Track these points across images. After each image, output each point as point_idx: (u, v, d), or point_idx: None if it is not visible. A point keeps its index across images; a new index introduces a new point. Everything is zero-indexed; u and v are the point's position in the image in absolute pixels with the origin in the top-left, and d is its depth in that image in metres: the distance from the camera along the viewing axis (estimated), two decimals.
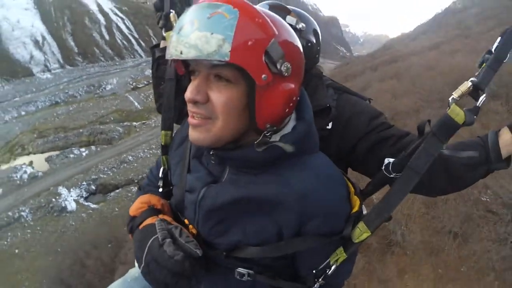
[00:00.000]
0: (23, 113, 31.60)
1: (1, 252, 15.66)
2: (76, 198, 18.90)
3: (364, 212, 1.12)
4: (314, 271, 1.12)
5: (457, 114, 1.03)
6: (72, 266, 12.08)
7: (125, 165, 22.05)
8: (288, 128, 1.04)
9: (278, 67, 0.89)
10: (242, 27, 0.84)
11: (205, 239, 1.13)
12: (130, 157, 22.92)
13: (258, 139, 0.97)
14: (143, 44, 58.82)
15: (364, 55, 44.12)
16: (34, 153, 24.57)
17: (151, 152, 23.20)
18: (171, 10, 1.47)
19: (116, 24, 58.04)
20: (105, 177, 20.78)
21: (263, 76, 0.87)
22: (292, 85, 0.97)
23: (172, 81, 1.44)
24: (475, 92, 1.05)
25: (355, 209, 1.06)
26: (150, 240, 1.07)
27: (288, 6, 1.57)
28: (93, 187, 19.87)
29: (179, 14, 1.48)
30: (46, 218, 17.42)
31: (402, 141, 1.38)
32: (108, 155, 23.58)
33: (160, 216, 1.18)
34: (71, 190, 19.38)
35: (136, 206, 1.25)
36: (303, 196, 1.00)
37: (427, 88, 12.39)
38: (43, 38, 48.14)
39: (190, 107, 0.96)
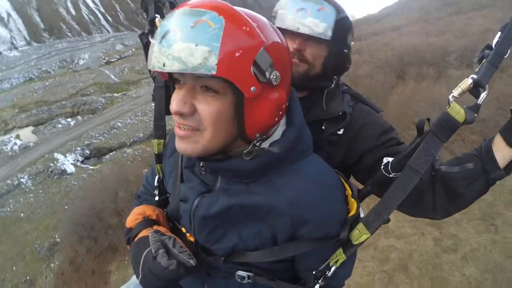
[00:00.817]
0: None
1: (5, 218, 15.86)
2: (73, 162, 19.28)
3: (362, 214, 1.11)
4: (314, 273, 1.12)
5: (458, 112, 1.01)
6: (87, 212, 12.58)
7: (115, 130, 22.41)
8: (277, 134, 1.03)
9: (267, 76, 0.87)
10: (229, 37, 0.80)
11: (203, 246, 1.15)
12: (119, 124, 23.25)
13: (246, 148, 0.96)
14: (110, 19, 57.64)
15: None
16: (19, 127, 24.44)
17: (137, 119, 23.59)
18: (156, 15, 1.39)
19: None
20: (98, 142, 21.15)
21: (252, 88, 0.85)
22: (281, 93, 0.95)
23: (161, 88, 1.40)
24: (475, 89, 1.03)
25: (352, 212, 1.06)
26: (145, 253, 1.09)
27: None
28: (88, 152, 20.26)
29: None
30: (47, 182, 17.73)
31: None
32: (97, 123, 23.77)
33: (155, 227, 1.19)
34: (67, 155, 19.69)
35: (132, 218, 1.26)
36: (294, 203, 1.00)
37: (381, 59, 15.11)
38: (8, 14, 46.56)
39: (176, 119, 0.94)
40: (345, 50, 1.49)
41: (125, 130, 22.47)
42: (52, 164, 18.75)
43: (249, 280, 1.14)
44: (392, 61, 14.43)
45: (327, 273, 1.10)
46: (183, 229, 1.21)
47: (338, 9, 1.42)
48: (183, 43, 0.79)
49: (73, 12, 53.55)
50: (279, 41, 0.93)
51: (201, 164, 1.07)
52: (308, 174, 1.05)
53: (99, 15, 56.72)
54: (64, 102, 27.11)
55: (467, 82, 1.02)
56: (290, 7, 1.40)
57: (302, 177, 1.03)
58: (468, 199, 1.18)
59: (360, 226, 1.05)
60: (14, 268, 13.15)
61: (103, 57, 39.46)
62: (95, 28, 54.60)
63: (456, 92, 1.03)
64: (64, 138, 21.93)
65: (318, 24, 1.37)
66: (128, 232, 1.25)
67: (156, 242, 1.08)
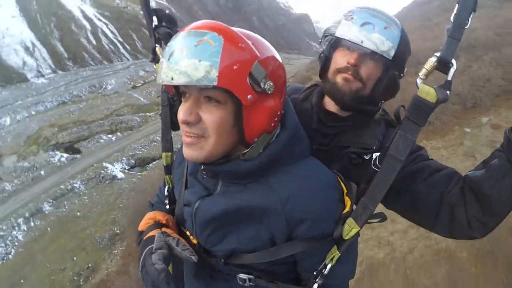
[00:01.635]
0: (33, 112, 33.02)
1: (61, 217, 17.12)
2: (121, 169, 21.16)
3: None
4: (314, 273, 1.18)
5: (428, 93, 1.02)
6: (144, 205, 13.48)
7: (155, 143, 24.37)
8: (273, 137, 1.13)
9: (262, 86, 0.99)
10: (227, 53, 0.93)
11: (204, 248, 1.24)
12: (157, 137, 24.91)
13: (245, 151, 1.08)
14: (128, 47, 60.85)
15: None
16: (62, 143, 26.16)
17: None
18: (156, 45, 1.60)
19: (101, 29, 60.02)
20: (141, 153, 23.15)
21: (248, 96, 0.97)
22: (276, 101, 1.07)
23: (166, 107, 1.57)
24: (442, 66, 1.03)
25: (346, 209, 1.11)
26: (146, 249, 1.20)
27: (375, 9, 1.41)
28: (133, 161, 22.26)
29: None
30: (100, 186, 19.43)
31: (438, 174, 1.32)
32: (137, 138, 25.82)
33: (163, 229, 1.31)
34: (114, 164, 21.60)
35: (144, 222, 1.41)
36: (287, 201, 1.07)
37: None
38: (33, 44, 49.53)
39: (183, 127, 1.05)
40: (400, 74, 1.47)
41: None
42: (102, 171, 20.56)
43: (250, 283, 1.20)
44: None
45: (323, 271, 1.15)
46: (188, 233, 1.31)
47: (403, 32, 1.42)
48: (188, 60, 0.92)
49: (94, 42, 56.70)
50: (273, 55, 1.07)
51: (202, 168, 1.18)
52: (303, 174, 1.13)
53: (118, 44, 60.05)
54: (102, 121, 29.18)
55: (431, 61, 1.04)
56: (357, 19, 1.37)
57: (296, 177, 1.11)
58: (500, 201, 1.11)
59: (350, 220, 1.10)
60: (74, 258, 14.33)
61: (129, 82, 42.14)
62: (115, 56, 57.68)
63: (421, 73, 1.04)
64: (109, 151, 23.80)
65: (383, 42, 1.34)
66: (140, 235, 1.36)
67: (161, 241, 1.19)
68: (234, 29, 1.01)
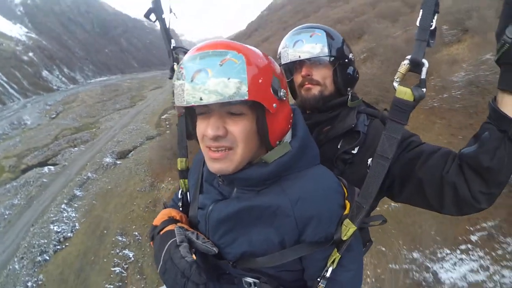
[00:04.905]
0: None
1: (98, 193, 20.54)
2: (112, 160, 26.07)
3: None
4: (318, 279, 1.24)
5: (405, 93, 1.13)
6: (161, 161, 18.86)
7: (121, 142, 28.94)
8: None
9: (279, 94, 1.14)
10: (251, 69, 1.04)
11: None
12: (120, 139, 30.24)
13: (266, 154, 1.20)
14: (15, 86, 63.87)
15: None
16: (33, 165, 27.82)
17: (128, 135, 30.84)
18: (174, 63, 1.79)
19: None
20: (117, 149, 27.65)
21: (274, 105, 1.11)
22: (288, 105, 1.25)
23: (183, 117, 1.71)
24: (415, 67, 1.14)
25: (345, 212, 1.21)
26: (169, 242, 1.26)
27: (312, 25, 1.79)
28: (115, 155, 26.92)
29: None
30: (109, 170, 23.90)
31: (434, 156, 1.39)
32: (103, 143, 30.40)
33: (179, 224, 1.39)
34: (104, 159, 26.26)
35: (159, 217, 1.48)
36: (297, 200, 1.17)
37: None
38: None
39: (210, 143, 1.13)
40: (346, 60, 1.76)
41: (127, 141, 30.44)
42: (102, 163, 25.64)
43: (255, 287, 1.29)
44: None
45: (325, 274, 1.23)
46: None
47: (327, 30, 1.72)
48: (217, 79, 1.00)
49: None
50: (280, 70, 1.23)
51: (219, 175, 1.28)
52: (311, 177, 1.23)
53: (5, 84, 61.58)
54: (56, 142, 32.19)
55: (404, 64, 1.15)
56: (289, 43, 1.73)
57: (306, 180, 1.22)
58: (502, 170, 1.17)
59: (346, 221, 1.19)
60: (134, 203, 18.22)
61: (44, 115, 45.13)
62: (6, 97, 59.58)
63: (396, 76, 1.16)
64: (89, 154, 28.04)
65: (314, 47, 1.66)
66: (153, 229, 1.45)
67: (181, 235, 1.27)
68: (247, 45, 1.13)
